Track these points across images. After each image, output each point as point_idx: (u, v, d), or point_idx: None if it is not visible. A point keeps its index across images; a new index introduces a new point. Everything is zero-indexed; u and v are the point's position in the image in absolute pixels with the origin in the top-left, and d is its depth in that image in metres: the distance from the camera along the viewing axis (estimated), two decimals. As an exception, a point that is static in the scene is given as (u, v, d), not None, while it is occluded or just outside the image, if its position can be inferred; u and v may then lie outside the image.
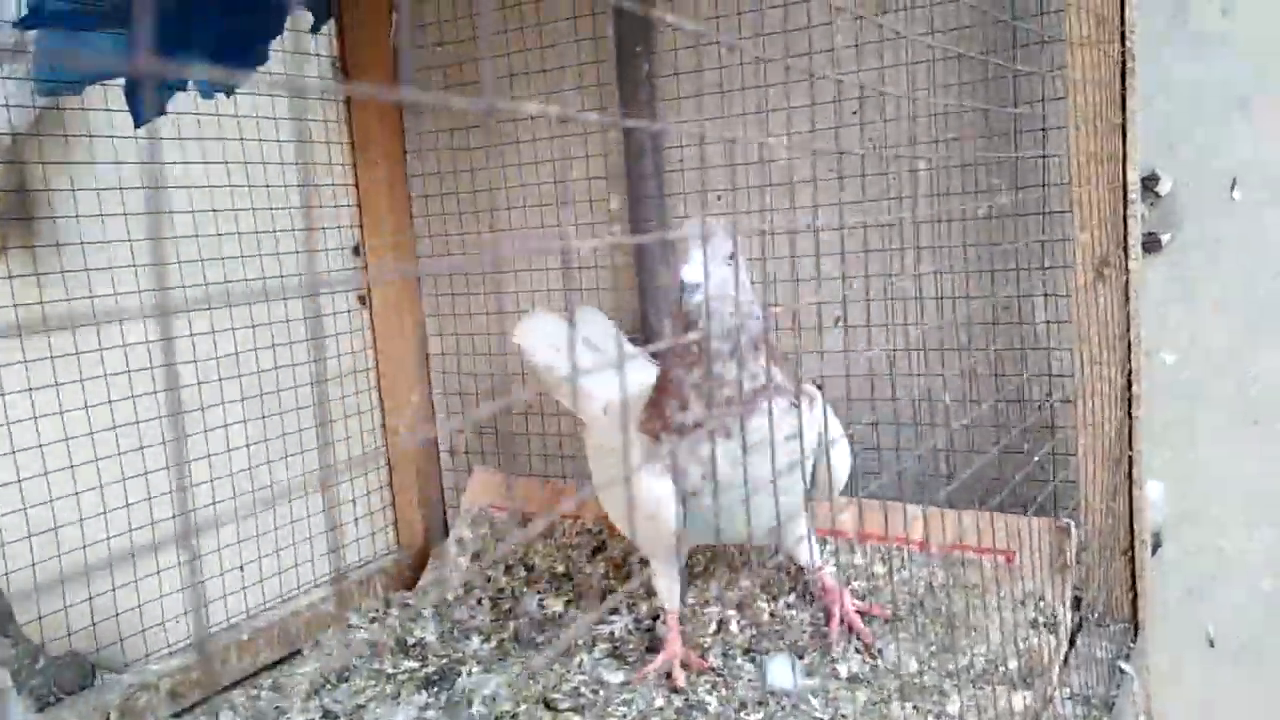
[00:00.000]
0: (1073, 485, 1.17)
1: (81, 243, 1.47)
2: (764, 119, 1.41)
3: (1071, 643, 1.10)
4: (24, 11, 1.51)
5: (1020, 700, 0.99)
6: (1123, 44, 1.14)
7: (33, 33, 1.58)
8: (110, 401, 1.39)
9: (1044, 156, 1.27)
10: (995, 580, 1.14)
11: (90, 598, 1.37)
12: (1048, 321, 1.28)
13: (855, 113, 1.38)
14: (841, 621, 1.11)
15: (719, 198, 1.50)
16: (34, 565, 1.34)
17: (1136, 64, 1.14)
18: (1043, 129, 1.27)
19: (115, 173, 1.44)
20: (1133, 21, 1.14)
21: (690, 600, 1.25)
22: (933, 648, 1.09)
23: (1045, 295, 1.28)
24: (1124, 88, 1.14)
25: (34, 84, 1.63)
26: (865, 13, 1.34)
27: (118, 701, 1.18)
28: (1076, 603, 1.14)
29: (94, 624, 1.39)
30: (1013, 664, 1.05)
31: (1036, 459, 1.13)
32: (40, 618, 1.39)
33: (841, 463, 1.07)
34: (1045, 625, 1.10)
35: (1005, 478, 1.13)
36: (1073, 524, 1.16)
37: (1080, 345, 1.13)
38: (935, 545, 1.20)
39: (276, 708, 1.18)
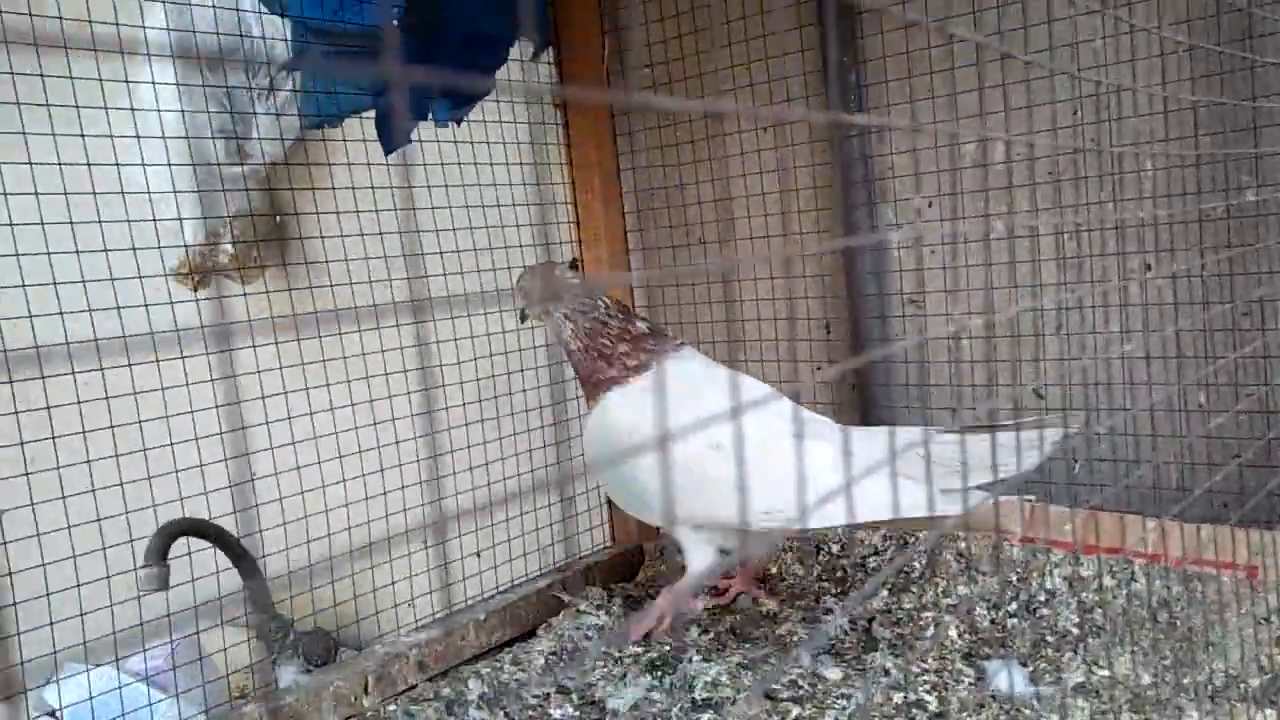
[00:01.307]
0: (1327, 501, 1.11)
1: (346, 260, 1.66)
2: (981, 121, 1.41)
3: (1326, 666, 1.04)
4: (291, 55, 1.73)
5: (1264, 719, 0.95)
6: (1378, 28, 1.06)
7: (298, 73, 1.80)
8: (372, 400, 1.57)
9: (1290, 152, 1.20)
10: (1236, 596, 1.10)
11: (352, 575, 1.55)
12: (1296, 328, 1.21)
13: (1076, 113, 1.35)
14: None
15: (930, 204, 1.51)
16: (306, 546, 1.54)
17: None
18: (1288, 123, 1.20)
19: (370, 195, 1.62)
20: (1386, 2, 1.06)
21: (907, 605, 1.27)
22: (1165, 661, 1.07)
23: (1293, 300, 1.21)
24: (1379, 75, 1.07)
25: (300, 117, 1.86)
26: (1087, 5, 1.31)
27: (374, 669, 1.32)
28: (1331, 625, 1.07)
29: (355, 599, 1.57)
30: (1254, 681, 1.01)
31: (1285, 472, 1.08)
32: (293, 597, 1.58)
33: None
34: (1294, 646, 1.05)
35: (1247, 490, 1.08)
36: (1327, 541, 1.10)
37: (1335, 353, 1.06)
38: (1171, 558, 1.16)
39: (516, 680, 1.30)
